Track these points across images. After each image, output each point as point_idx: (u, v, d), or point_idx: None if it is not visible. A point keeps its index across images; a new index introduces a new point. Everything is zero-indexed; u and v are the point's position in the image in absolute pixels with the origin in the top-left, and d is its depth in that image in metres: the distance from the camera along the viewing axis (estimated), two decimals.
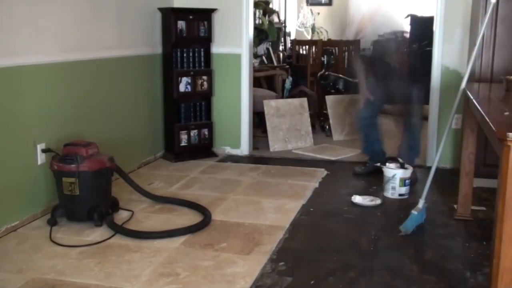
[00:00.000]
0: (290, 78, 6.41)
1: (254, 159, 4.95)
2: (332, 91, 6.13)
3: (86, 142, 3.33)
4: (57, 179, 3.25)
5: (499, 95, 3.10)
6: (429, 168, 3.39)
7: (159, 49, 4.79)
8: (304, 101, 5.61)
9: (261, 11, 6.83)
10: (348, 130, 5.83)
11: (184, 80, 4.74)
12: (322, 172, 4.46)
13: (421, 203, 3.25)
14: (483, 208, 3.59)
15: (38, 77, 3.35)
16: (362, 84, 4.33)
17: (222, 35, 4.93)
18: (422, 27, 7.88)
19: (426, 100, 4.51)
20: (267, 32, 6.90)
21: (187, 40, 4.73)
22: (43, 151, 3.35)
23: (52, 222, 3.21)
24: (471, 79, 3.63)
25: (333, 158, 4.94)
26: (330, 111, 5.87)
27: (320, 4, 9.67)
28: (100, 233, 3.13)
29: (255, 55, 6.55)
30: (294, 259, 2.84)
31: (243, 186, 4.08)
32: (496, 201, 1.92)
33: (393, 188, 3.81)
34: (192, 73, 4.78)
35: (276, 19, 7.58)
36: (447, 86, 4.45)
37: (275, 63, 6.98)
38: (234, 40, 4.92)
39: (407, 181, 3.82)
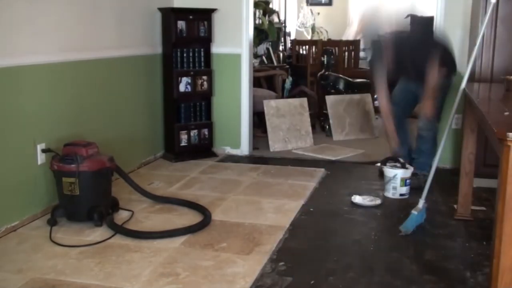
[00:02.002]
0: (290, 78, 6.41)
1: (254, 159, 4.95)
2: (332, 91, 6.14)
3: (86, 142, 3.33)
4: (57, 179, 3.25)
5: (499, 95, 3.10)
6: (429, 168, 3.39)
7: (159, 49, 4.79)
8: (304, 101, 5.61)
9: (261, 11, 6.83)
10: (348, 130, 5.84)
11: (184, 80, 4.74)
12: (322, 172, 4.46)
13: (421, 203, 3.25)
14: (483, 208, 3.59)
15: (38, 77, 3.35)
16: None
17: (222, 35, 4.93)
18: (422, 27, 7.90)
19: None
20: (267, 32, 6.90)
21: (187, 40, 4.72)
22: (43, 151, 3.35)
23: (52, 222, 3.21)
24: (471, 79, 3.63)
25: (333, 158, 4.94)
26: (330, 111, 5.87)
27: (320, 4, 9.68)
28: (100, 233, 3.13)
29: (255, 55, 6.55)
30: (294, 259, 2.84)
31: (243, 186, 4.08)
32: (496, 201, 1.92)
33: (394, 188, 3.81)
34: (192, 73, 4.78)
35: (276, 19, 7.58)
36: None
37: (275, 63, 6.98)
38: (234, 40, 4.92)
39: (407, 181, 3.82)
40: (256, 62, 6.43)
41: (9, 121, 3.13)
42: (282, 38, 7.85)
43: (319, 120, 6.24)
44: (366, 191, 3.95)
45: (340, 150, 5.27)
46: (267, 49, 7.11)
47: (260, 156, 5.04)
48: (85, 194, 3.21)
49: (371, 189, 4.00)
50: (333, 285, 2.56)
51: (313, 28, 8.87)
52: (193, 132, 4.86)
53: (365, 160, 4.87)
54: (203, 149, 4.94)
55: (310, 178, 4.28)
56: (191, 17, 4.70)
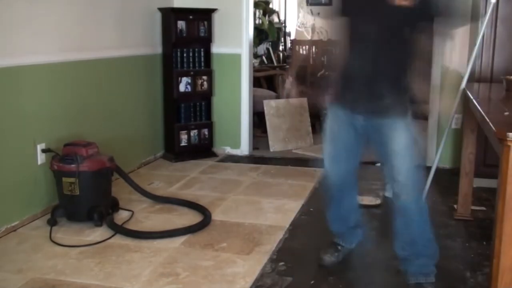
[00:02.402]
0: (290, 78, 6.40)
1: (254, 159, 4.95)
2: None
3: (86, 142, 3.33)
4: (57, 179, 3.24)
5: (499, 95, 3.10)
6: (429, 168, 3.39)
7: (159, 49, 4.79)
8: (304, 101, 5.61)
9: (261, 11, 6.84)
10: None
11: (184, 80, 4.74)
12: (322, 172, 4.45)
13: None
14: (483, 208, 3.58)
15: (38, 77, 3.35)
16: None
17: (222, 35, 4.93)
18: None
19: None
20: (267, 32, 6.90)
21: (187, 40, 4.72)
22: (43, 151, 3.35)
23: (52, 222, 3.21)
24: (471, 79, 3.63)
25: None
26: None
27: (320, 4, 9.67)
28: (100, 233, 3.13)
29: (255, 55, 6.55)
30: (294, 259, 2.84)
31: (243, 186, 4.08)
32: (496, 201, 1.91)
33: None
34: (192, 73, 4.78)
35: (276, 19, 7.58)
36: (447, 86, 4.45)
37: (275, 63, 6.98)
38: (234, 40, 4.92)
39: None
40: (256, 62, 6.44)
41: (9, 121, 3.13)
42: (282, 38, 7.86)
43: (319, 120, 6.24)
44: (366, 191, 3.95)
45: None
46: (267, 49, 7.11)
47: (260, 156, 5.04)
48: (85, 194, 3.21)
49: (371, 189, 3.99)
50: (333, 285, 2.56)
51: (313, 28, 8.87)
52: (193, 132, 4.86)
53: (365, 160, 4.85)
54: (203, 149, 4.94)
55: (310, 178, 4.28)
56: (191, 17, 4.69)
